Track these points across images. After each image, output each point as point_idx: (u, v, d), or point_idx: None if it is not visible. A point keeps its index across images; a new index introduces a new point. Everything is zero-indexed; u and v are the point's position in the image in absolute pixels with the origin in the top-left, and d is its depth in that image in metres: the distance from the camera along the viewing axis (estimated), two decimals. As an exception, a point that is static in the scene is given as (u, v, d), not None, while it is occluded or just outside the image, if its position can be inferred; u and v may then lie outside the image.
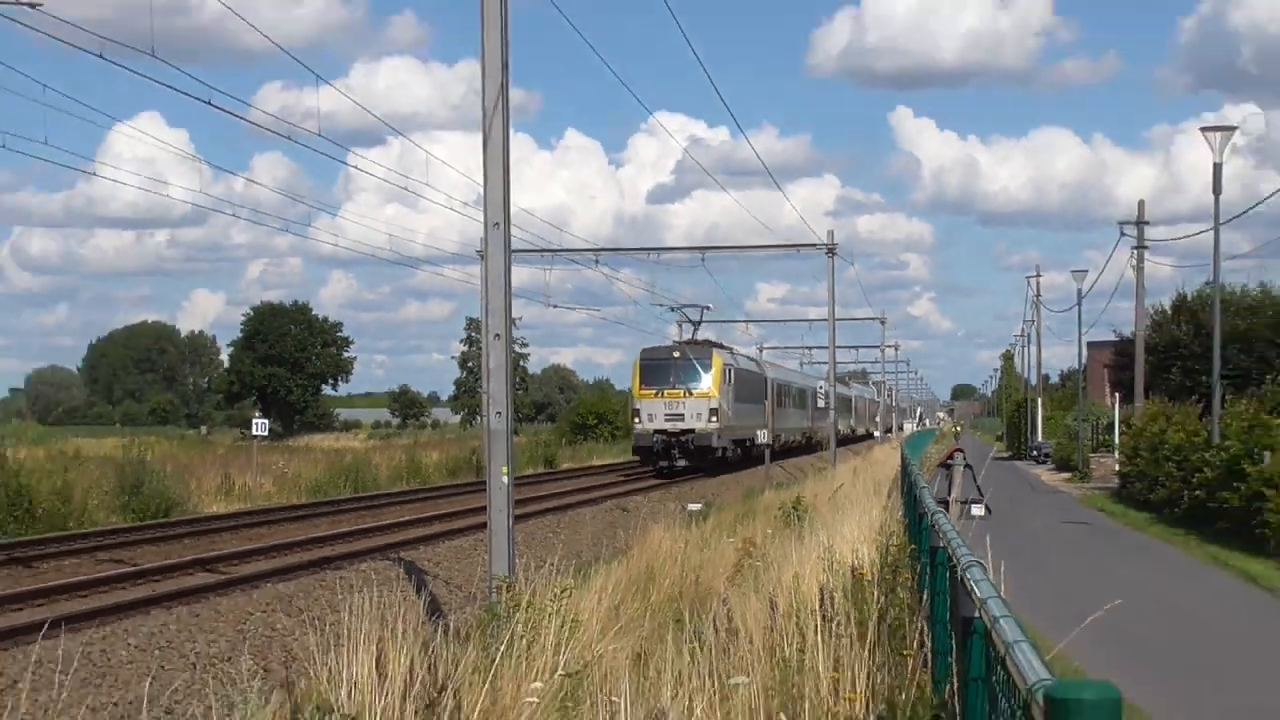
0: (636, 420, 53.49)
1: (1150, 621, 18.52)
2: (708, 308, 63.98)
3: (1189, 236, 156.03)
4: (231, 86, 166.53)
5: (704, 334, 62.47)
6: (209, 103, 29.32)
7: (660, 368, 53.84)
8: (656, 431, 51.90)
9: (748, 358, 71.50)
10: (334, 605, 16.50)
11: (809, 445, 79.14)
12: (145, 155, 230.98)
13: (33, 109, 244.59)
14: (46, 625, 12.14)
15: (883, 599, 10.76)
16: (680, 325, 66.58)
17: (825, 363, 74.07)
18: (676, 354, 55.19)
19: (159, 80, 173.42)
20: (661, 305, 62.76)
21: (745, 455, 57.51)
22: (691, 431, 51.93)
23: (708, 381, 53.57)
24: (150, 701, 11.73)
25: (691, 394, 52.76)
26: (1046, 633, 13.03)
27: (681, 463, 51.75)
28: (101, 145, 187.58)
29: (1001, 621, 4.25)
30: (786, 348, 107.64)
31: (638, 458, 55.55)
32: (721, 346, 61.57)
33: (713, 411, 53.02)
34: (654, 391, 52.86)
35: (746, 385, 61.39)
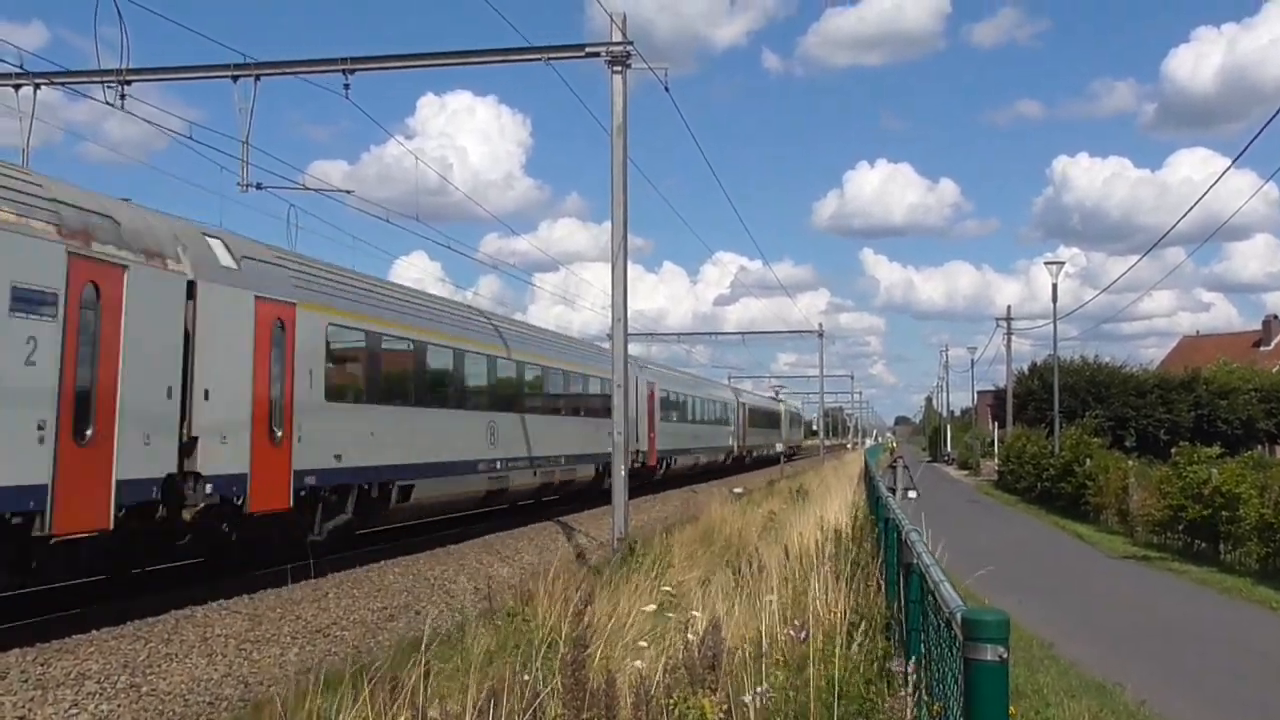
0: None
1: (1016, 559, 18.57)
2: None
3: (1038, 327, 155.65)
4: (466, 237, 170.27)
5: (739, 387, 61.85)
6: (449, 247, 30.43)
7: None
8: None
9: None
10: (518, 549, 16.38)
11: (808, 452, 78.26)
12: (414, 277, 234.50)
13: (344, 250, 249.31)
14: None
15: (854, 549, 10.46)
16: (730, 379, 66.70)
17: (817, 401, 73.62)
18: None
19: (423, 235, 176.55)
20: (718, 368, 62.76)
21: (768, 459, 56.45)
22: None
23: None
24: (406, 607, 11.67)
25: None
26: (956, 565, 12.72)
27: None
28: (389, 273, 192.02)
29: (931, 568, 4.04)
30: (795, 392, 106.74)
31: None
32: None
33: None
34: None
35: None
